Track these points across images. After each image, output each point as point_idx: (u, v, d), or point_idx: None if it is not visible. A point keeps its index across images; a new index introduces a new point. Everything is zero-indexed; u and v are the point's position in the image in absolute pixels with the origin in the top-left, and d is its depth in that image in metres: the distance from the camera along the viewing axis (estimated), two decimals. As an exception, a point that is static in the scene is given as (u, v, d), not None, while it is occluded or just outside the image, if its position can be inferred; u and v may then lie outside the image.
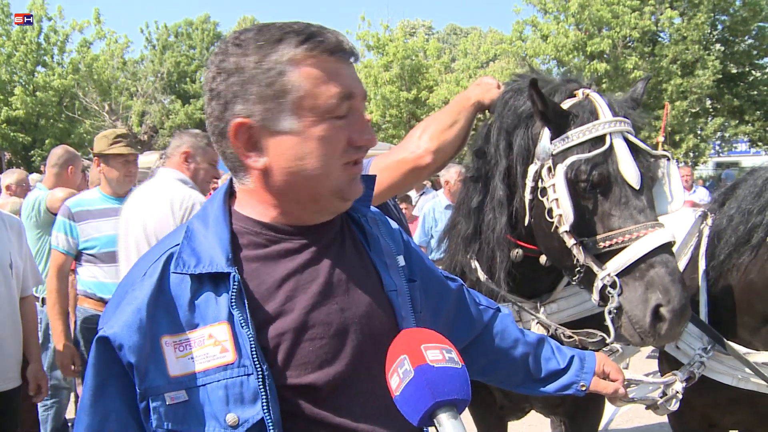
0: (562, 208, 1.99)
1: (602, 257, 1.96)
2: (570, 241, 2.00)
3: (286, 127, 1.13)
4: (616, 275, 1.91)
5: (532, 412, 2.87)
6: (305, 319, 1.17)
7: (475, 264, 2.40)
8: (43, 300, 4.05)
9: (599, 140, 1.99)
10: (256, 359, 1.09)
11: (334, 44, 1.14)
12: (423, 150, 2.18)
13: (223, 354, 1.10)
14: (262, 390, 1.09)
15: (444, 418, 1.02)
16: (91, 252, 3.75)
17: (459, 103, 2.33)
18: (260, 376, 1.09)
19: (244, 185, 1.21)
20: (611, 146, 1.98)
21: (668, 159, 2.10)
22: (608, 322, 1.95)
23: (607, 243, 1.95)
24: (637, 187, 1.96)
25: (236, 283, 1.11)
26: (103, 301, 3.70)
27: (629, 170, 1.97)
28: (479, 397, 2.71)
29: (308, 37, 1.13)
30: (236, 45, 1.14)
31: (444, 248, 2.69)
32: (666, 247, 1.90)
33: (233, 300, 1.10)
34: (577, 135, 2.02)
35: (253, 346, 1.10)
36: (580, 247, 1.99)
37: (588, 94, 2.10)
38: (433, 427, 1.06)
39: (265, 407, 1.09)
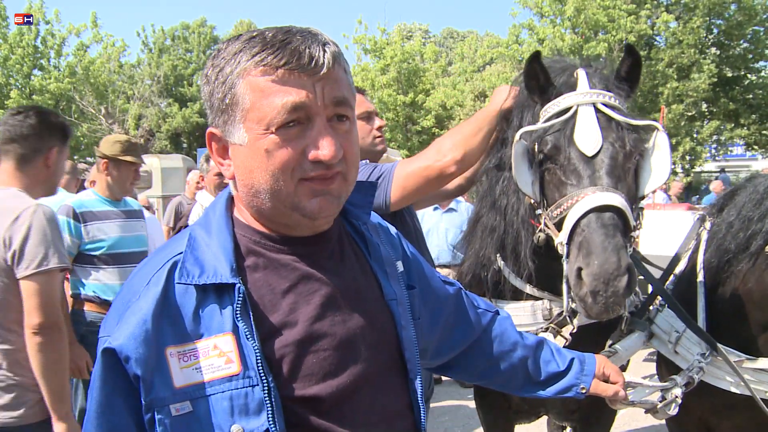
0: (515, 178, 2.03)
1: (558, 226, 1.96)
2: (536, 212, 2.04)
3: (237, 140, 1.14)
4: (566, 243, 1.91)
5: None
6: (309, 330, 1.16)
7: (500, 262, 2.40)
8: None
9: (566, 111, 2.02)
10: (261, 371, 1.09)
11: (288, 56, 1.10)
12: (450, 159, 2.23)
13: (228, 365, 1.09)
14: (268, 401, 1.09)
15: None
16: (96, 253, 3.75)
17: (483, 113, 2.37)
18: (266, 387, 1.09)
19: (233, 191, 1.23)
20: (573, 115, 1.99)
21: (657, 129, 2.06)
22: (564, 292, 1.96)
23: (558, 211, 1.96)
24: (589, 153, 1.95)
25: (241, 295, 1.11)
26: (107, 303, 3.70)
27: (582, 137, 1.96)
28: (494, 401, 2.70)
29: (261, 49, 1.11)
30: (213, 56, 1.16)
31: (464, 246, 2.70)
32: (604, 209, 1.85)
33: (238, 311, 1.10)
34: (549, 108, 2.07)
35: (259, 357, 1.09)
36: (543, 218, 2.01)
37: (576, 72, 2.12)
38: None
39: (270, 418, 1.08)
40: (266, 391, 1.09)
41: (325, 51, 1.12)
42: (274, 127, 1.10)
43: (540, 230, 2.07)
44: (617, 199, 1.87)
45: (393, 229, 1.51)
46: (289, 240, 1.21)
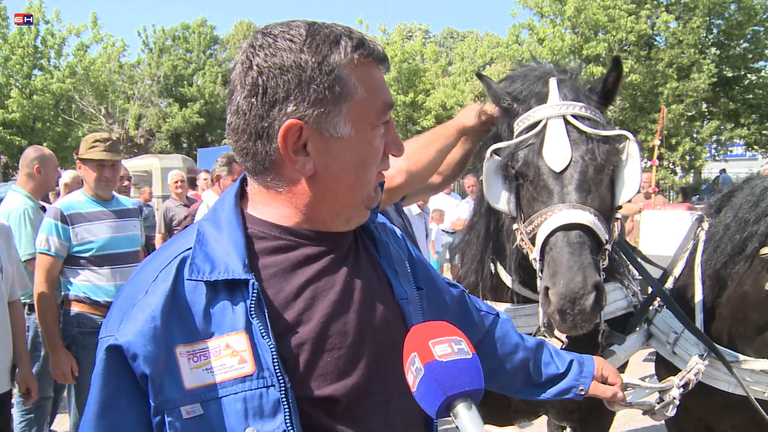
0: (486, 195, 2.05)
1: (532, 241, 1.97)
2: (513, 227, 2.05)
3: (340, 132, 1.09)
4: (539, 259, 1.92)
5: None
6: (323, 328, 1.12)
7: (496, 265, 2.41)
8: (30, 306, 3.99)
9: (536, 125, 2.02)
10: (278, 370, 1.05)
11: (381, 53, 1.14)
12: (396, 170, 2.15)
13: (241, 365, 1.04)
14: (285, 402, 1.04)
15: (459, 410, 1.03)
16: (86, 255, 3.72)
17: (442, 127, 2.33)
18: (282, 387, 1.05)
19: (269, 188, 1.16)
20: (543, 129, 1.99)
21: (628, 139, 2.05)
22: (539, 308, 1.96)
23: (530, 227, 1.96)
24: (557, 169, 1.95)
25: (255, 291, 1.06)
26: (98, 304, 3.69)
27: (551, 152, 1.96)
28: (494, 401, 2.69)
29: (360, 43, 1.10)
30: (289, 40, 1.08)
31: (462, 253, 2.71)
32: (571, 227, 1.85)
33: (252, 308, 1.05)
34: (519, 123, 2.07)
35: (275, 356, 1.05)
36: (518, 233, 2.03)
37: (548, 82, 2.10)
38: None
39: (287, 421, 1.04)
40: (283, 392, 1.04)
41: None
42: (379, 122, 1.14)
43: (516, 245, 2.08)
44: (585, 217, 1.86)
45: (398, 231, 1.49)
46: (311, 235, 1.17)
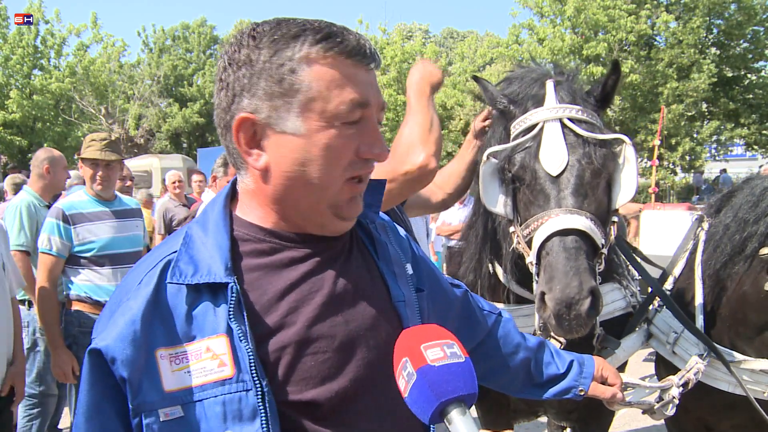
0: (482, 198, 2.05)
1: (529, 244, 1.97)
2: (510, 229, 2.06)
3: (290, 128, 1.07)
4: (535, 263, 1.92)
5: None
6: (308, 332, 1.11)
7: (494, 264, 2.41)
8: (30, 303, 4.01)
9: (533, 128, 2.02)
10: (255, 374, 1.04)
11: (352, 46, 1.08)
12: (425, 156, 2.08)
13: (221, 368, 1.04)
14: (261, 407, 1.04)
15: (453, 415, 1.00)
16: (87, 255, 3.73)
17: (421, 97, 2.19)
18: (259, 392, 1.04)
19: (245, 185, 1.16)
20: (539, 132, 1.99)
21: (625, 143, 2.05)
22: (535, 311, 1.96)
23: (527, 231, 1.97)
24: (554, 173, 1.95)
25: (234, 294, 1.06)
26: (99, 304, 3.69)
27: (547, 156, 1.96)
28: (493, 401, 2.69)
29: (326, 36, 1.07)
30: (251, 37, 1.09)
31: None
32: (567, 233, 1.86)
33: (231, 312, 1.05)
34: (516, 126, 2.08)
35: (252, 360, 1.04)
36: (515, 236, 2.04)
37: (545, 84, 2.10)
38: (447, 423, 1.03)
39: (264, 425, 1.03)
40: (260, 396, 1.04)
41: (371, 47, 1.12)
42: (339, 121, 1.07)
43: (513, 248, 2.09)
44: (581, 222, 1.87)
45: (402, 230, 1.46)
46: (294, 237, 1.16)
